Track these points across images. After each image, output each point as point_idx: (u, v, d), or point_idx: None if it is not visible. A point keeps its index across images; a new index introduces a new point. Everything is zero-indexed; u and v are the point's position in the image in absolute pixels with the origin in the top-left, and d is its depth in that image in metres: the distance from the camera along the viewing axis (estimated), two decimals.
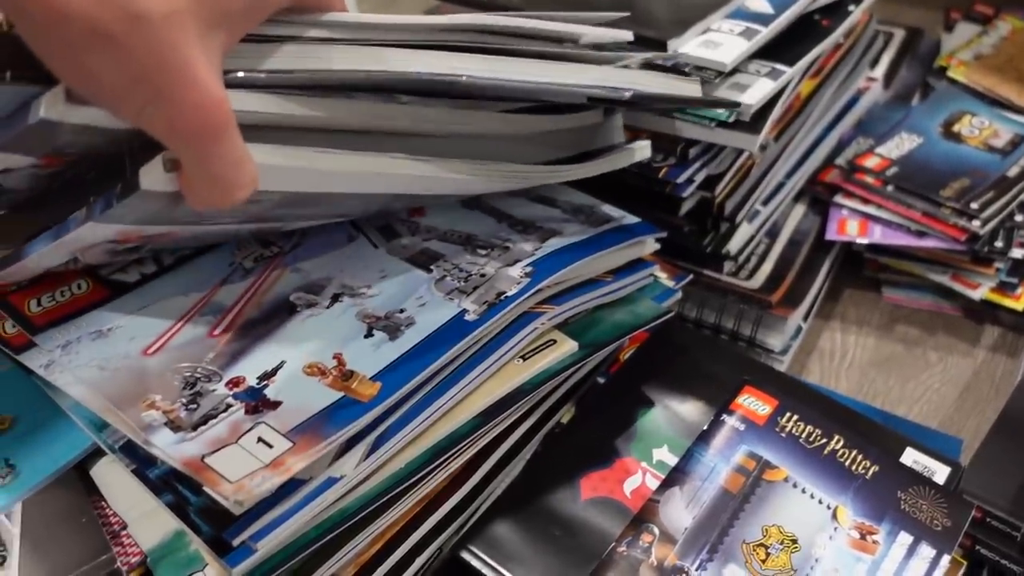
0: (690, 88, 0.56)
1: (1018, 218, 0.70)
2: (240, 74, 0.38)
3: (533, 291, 0.49)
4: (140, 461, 0.44)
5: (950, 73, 0.86)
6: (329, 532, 0.42)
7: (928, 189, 0.71)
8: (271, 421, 0.42)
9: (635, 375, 0.58)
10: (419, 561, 0.47)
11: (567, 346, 0.51)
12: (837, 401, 0.58)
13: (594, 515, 0.50)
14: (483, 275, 0.50)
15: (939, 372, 0.68)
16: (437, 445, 0.46)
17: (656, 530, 0.49)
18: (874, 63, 0.86)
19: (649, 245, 0.58)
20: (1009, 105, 0.82)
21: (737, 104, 0.58)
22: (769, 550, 0.48)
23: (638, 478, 0.52)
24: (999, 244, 0.69)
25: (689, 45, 0.61)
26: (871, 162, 0.75)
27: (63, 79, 0.34)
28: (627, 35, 0.54)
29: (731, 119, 0.59)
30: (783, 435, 0.53)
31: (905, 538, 0.48)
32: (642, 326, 0.55)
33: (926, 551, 0.48)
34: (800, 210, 0.76)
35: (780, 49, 0.64)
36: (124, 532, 0.46)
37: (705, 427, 0.54)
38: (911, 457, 0.53)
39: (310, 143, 0.40)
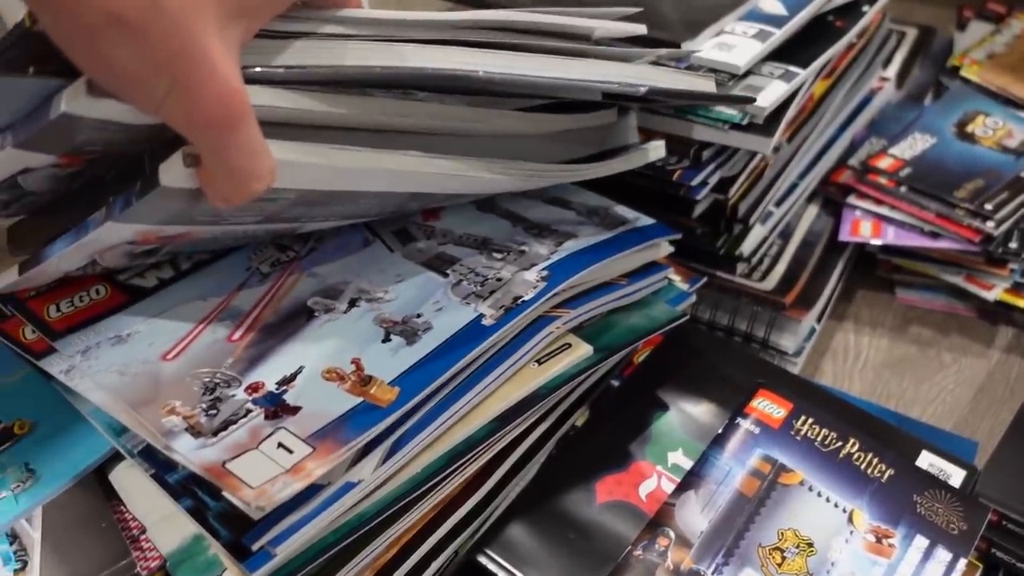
0: (704, 84, 0.56)
1: None
2: (257, 69, 0.38)
3: (549, 295, 0.49)
4: (159, 466, 0.44)
5: (963, 72, 0.86)
6: (347, 537, 0.42)
7: (942, 190, 0.71)
8: (291, 426, 0.42)
9: (649, 378, 0.58)
10: (435, 565, 0.48)
11: (582, 350, 0.51)
12: (852, 404, 0.58)
13: (609, 519, 0.50)
14: (499, 279, 0.50)
15: (953, 373, 0.68)
16: (453, 449, 0.46)
17: (672, 534, 0.49)
18: (887, 63, 0.86)
19: (664, 248, 0.58)
20: (1023, 105, 0.81)
21: (751, 99, 0.58)
22: (785, 554, 0.48)
23: (653, 482, 0.52)
24: (1013, 245, 0.68)
25: (703, 47, 0.61)
26: (884, 163, 0.75)
27: (84, 69, 0.34)
28: (640, 28, 0.54)
29: (744, 121, 0.59)
30: (798, 438, 0.54)
31: (921, 542, 0.48)
32: (657, 330, 0.55)
33: (942, 555, 0.48)
34: (813, 211, 0.76)
35: (794, 51, 0.64)
36: (143, 536, 0.46)
37: (720, 430, 0.54)
38: (927, 460, 0.53)
39: (326, 140, 0.41)
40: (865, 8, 0.70)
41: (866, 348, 0.70)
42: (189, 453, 0.40)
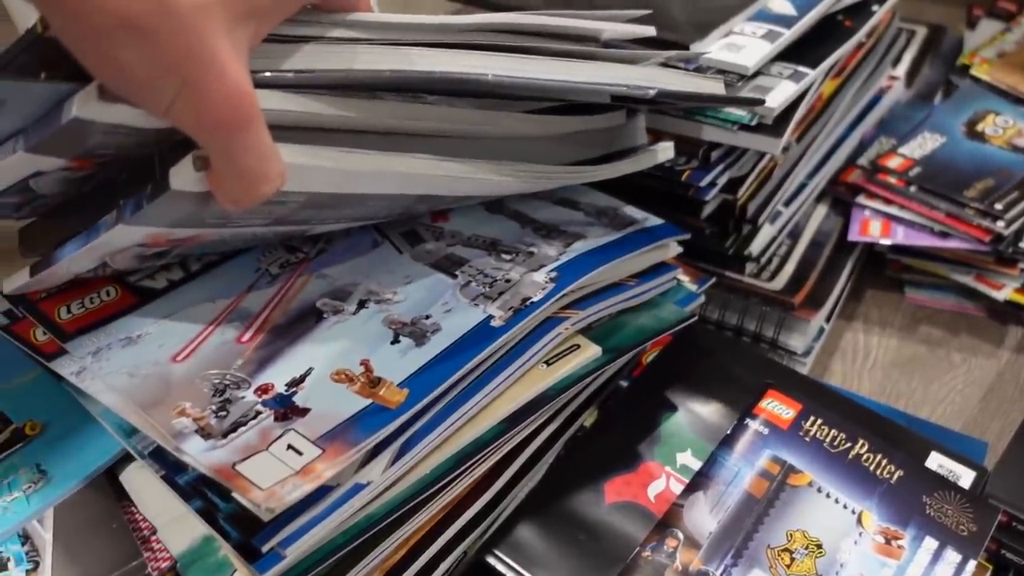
0: (713, 86, 0.56)
1: None
2: (267, 73, 0.38)
3: (558, 296, 0.49)
4: (169, 467, 0.44)
5: (973, 71, 0.86)
6: (356, 538, 0.42)
7: (951, 190, 0.71)
8: (300, 428, 0.42)
9: (658, 379, 0.58)
10: (444, 566, 0.48)
11: (591, 351, 0.51)
12: (861, 405, 0.58)
13: (618, 519, 0.50)
14: (508, 280, 0.50)
15: (963, 373, 0.68)
16: (462, 451, 0.46)
17: (680, 535, 0.49)
18: (896, 62, 0.86)
19: (672, 248, 0.58)
20: None
21: (761, 101, 0.58)
22: (794, 555, 0.48)
23: (662, 482, 0.52)
24: (1023, 245, 0.68)
25: (711, 48, 0.61)
26: (894, 162, 0.75)
27: (94, 72, 0.34)
28: (649, 30, 0.54)
29: (753, 122, 0.59)
30: (807, 439, 0.53)
31: (930, 543, 0.48)
32: (665, 330, 0.55)
33: (952, 556, 0.48)
34: (822, 211, 0.75)
35: (803, 51, 0.64)
36: (154, 537, 0.47)
37: (728, 431, 0.54)
38: (936, 461, 0.53)
39: (336, 144, 0.41)
40: (874, 7, 0.70)
41: (875, 348, 0.70)
42: (199, 455, 0.41)
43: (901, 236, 0.71)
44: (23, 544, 0.46)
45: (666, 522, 0.50)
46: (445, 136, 0.48)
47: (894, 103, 0.84)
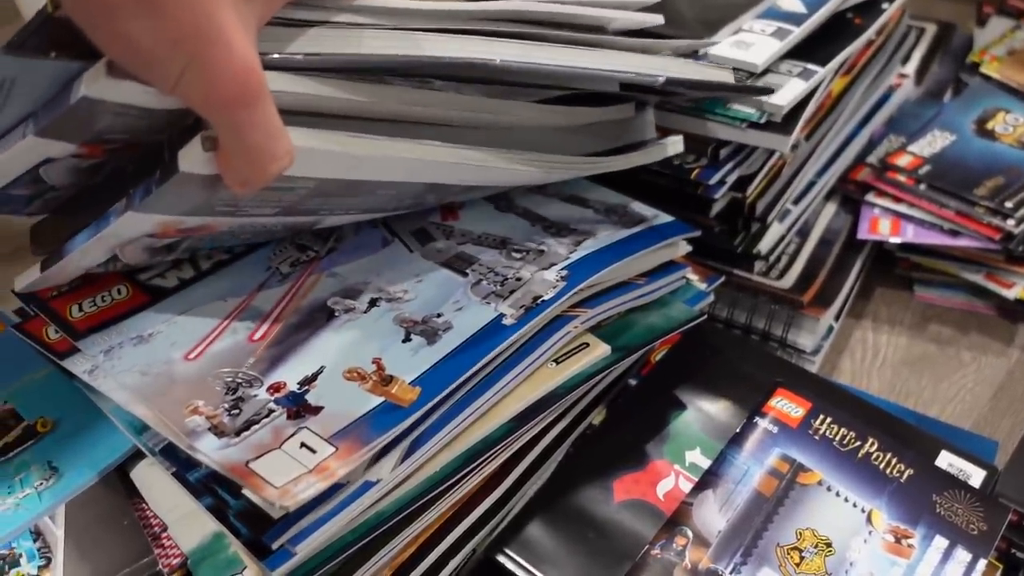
0: (722, 75, 0.56)
1: None
2: (275, 55, 0.38)
3: (570, 294, 0.49)
4: (180, 464, 0.44)
5: (983, 69, 0.86)
6: (366, 536, 0.43)
7: (961, 188, 0.71)
8: (313, 426, 0.42)
9: (667, 377, 0.58)
10: (453, 563, 0.48)
11: (600, 349, 0.51)
12: (871, 403, 0.58)
13: (627, 517, 0.50)
14: (519, 279, 0.50)
15: (973, 372, 0.68)
16: (471, 449, 0.46)
17: (690, 533, 0.49)
18: (906, 59, 0.85)
19: (682, 247, 0.58)
20: None
21: (770, 90, 0.58)
22: (803, 554, 0.48)
23: (671, 480, 0.52)
24: None
25: (720, 46, 0.61)
26: (903, 160, 0.75)
27: (103, 47, 0.34)
28: (658, 19, 0.54)
29: (762, 120, 0.59)
30: (817, 438, 0.53)
31: (941, 542, 0.48)
32: (675, 329, 0.55)
33: (962, 555, 0.48)
34: (831, 209, 0.75)
35: (812, 48, 0.63)
36: (164, 534, 0.47)
37: (738, 429, 0.54)
38: (946, 460, 0.53)
39: (345, 130, 0.41)
40: (884, 5, 0.70)
41: (884, 346, 0.70)
42: (212, 453, 0.41)
43: (911, 234, 0.71)
44: (35, 540, 0.46)
45: (675, 520, 0.50)
46: (453, 125, 0.47)
47: (904, 101, 0.84)
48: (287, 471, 0.40)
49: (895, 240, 0.71)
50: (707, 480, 0.52)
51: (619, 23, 0.52)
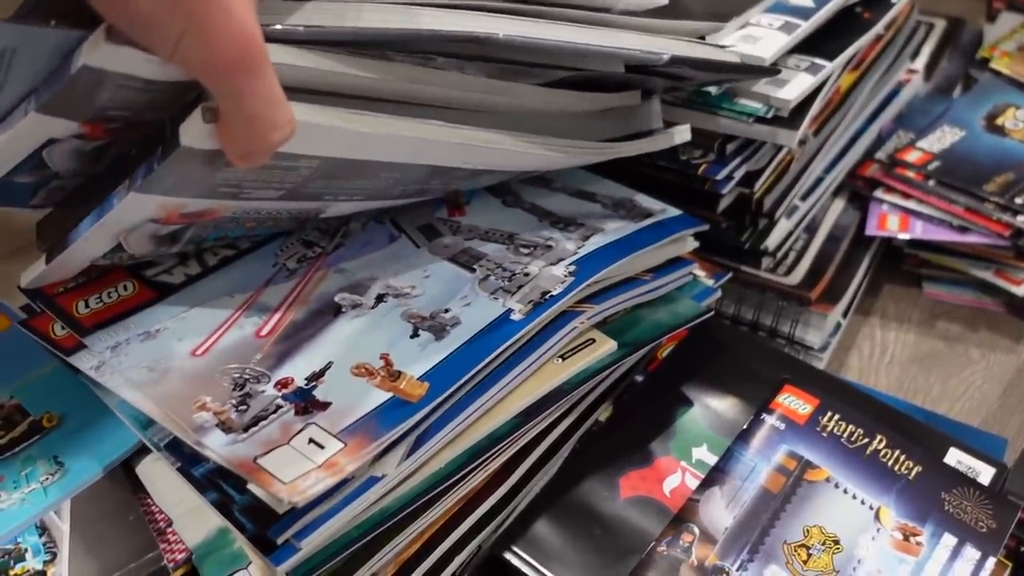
0: (727, 55, 0.56)
1: None
2: (278, 27, 0.38)
3: (578, 290, 0.49)
4: (185, 459, 0.44)
5: (993, 64, 0.85)
6: (371, 531, 0.43)
7: (971, 184, 0.70)
8: (321, 422, 0.42)
9: (674, 373, 0.58)
10: (458, 560, 0.48)
11: (606, 346, 0.51)
12: (879, 400, 0.58)
13: (634, 514, 0.50)
14: (527, 274, 0.50)
15: (982, 369, 0.67)
16: (477, 445, 0.46)
17: (696, 530, 0.49)
18: (915, 55, 0.85)
19: (689, 243, 0.58)
20: None
21: (777, 71, 0.58)
22: (811, 551, 0.48)
23: (677, 477, 0.52)
24: None
25: (728, 40, 0.60)
26: (912, 156, 0.74)
27: (102, 10, 0.34)
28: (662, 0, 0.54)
29: (769, 114, 0.59)
30: (824, 435, 0.53)
31: (949, 540, 0.48)
32: (681, 325, 0.55)
33: (971, 553, 0.47)
34: (839, 205, 0.75)
35: (820, 43, 0.63)
36: (170, 529, 0.47)
37: (745, 426, 0.54)
38: (955, 457, 0.53)
39: (348, 108, 0.41)
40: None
41: (893, 343, 0.70)
42: (220, 449, 0.41)
43: (920, 231, 0.70)
44: (41, 535, 0.47)
45: (682, 517, 0.50)
46: (456, 108, 0.47)
47: (913, 96, 0.83)
48: (296, 467, 0.39)
49: (904, 236, 0.71)
50: (714, 477, 0.51)
51: (625, 3, 0.51)
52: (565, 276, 0.50)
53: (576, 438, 0.54)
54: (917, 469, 0.51)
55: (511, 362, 0.47)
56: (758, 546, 0.48)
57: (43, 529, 0.47)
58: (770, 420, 0.54)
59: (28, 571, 0.45)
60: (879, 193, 0.73)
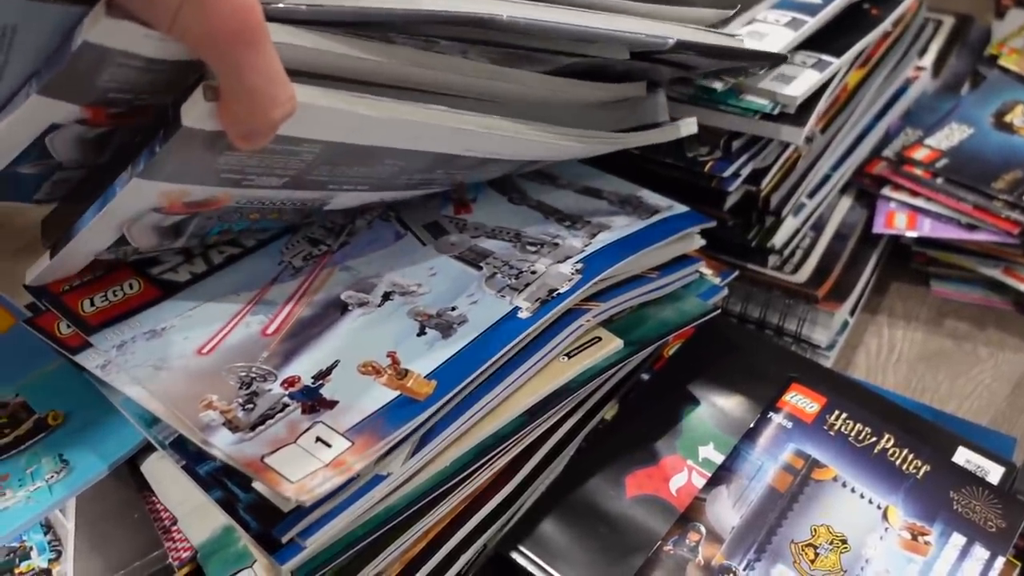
0: (732, 41, 0.55)
1: None
2: (280, 5, 0.38)
3: (586, 287, 0.49)
4: (190, 457, 0.44)
5: (1001, 61, 0.85)
6: (376, 530, 0.42)
7: (979, 181, 0.70)
8: (328, 420, 0.42)
9: (680, 372, 0.58)
10: (464, 558, 0.48)
11: (612, 344, 0.51)
12: (887, 399, 0.57)
13: (640, 513, 0.50)
14: (534, 272, 0.50)
15: (990, 368, 0.67)
16: (482, 443, 0.46)
17: (703, 529, 0.49)
18: (923, 52, 0.84)
19: (696, 240, 0.58)
20: None
21: (784, 58, 0.58)
22: (818, 550, 0.48)
23: (684, 476, 0.52)
24: None
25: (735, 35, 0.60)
26: (920, 154, 0.74)
27: None
28: None
29: (775, 111, 0.59)
30: (832, 433, 0.53)
31: (958, 539, 0.48)
32: (688, 324, 0.54)
33: (980, 552, 0.47)
34: (846, 203, 0.75)
35: (827, 39, 0.63)
36: (175, 527, 0.47)
37: (752, 425, 0.54)
38: (964, 456, 0.53)
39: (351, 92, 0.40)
40: None
41: (900, 342, 0.69)
42: (227, 447, 0.41)
43: (927, 228, 0.70)
44: (46, 533, 0.46)
45: (688, 516, 0.49)
46: (459, 96, 0.47)
47: (920, 94, 0.83)
48: (303, 466, 0.39)
49: (911, 234, 0.70)
50: (720, 476, 0.51)
51: None
52: (572, 274, 0.50)
53: (582, 436, 0.54)
54: (925, 468, 0.51)
55: (517, 360, 0.47)
56: (765, 545, 0.48)
57: (48, 527, 0.47)
58: (777, 419, 0.54)
59: (33, 569, 0.45)
60: (887, 191, 0.73)
